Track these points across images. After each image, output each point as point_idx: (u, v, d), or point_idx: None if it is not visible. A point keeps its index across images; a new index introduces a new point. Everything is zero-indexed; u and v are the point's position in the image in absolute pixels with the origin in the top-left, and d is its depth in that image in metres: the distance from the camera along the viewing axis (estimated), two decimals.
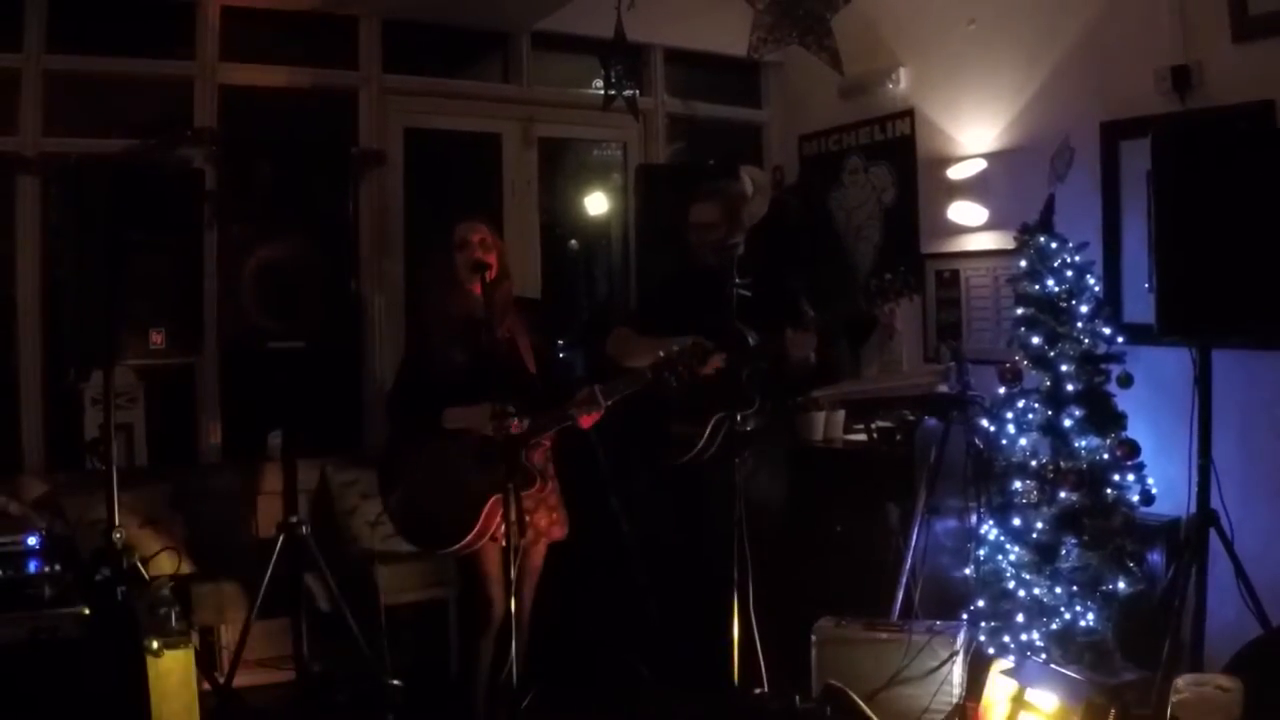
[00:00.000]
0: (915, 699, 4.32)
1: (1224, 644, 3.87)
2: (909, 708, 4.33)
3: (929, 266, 5.90)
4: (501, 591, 4.25)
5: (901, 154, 6.10)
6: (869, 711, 4.25)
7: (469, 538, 4.15)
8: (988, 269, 5.58)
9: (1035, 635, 4.19)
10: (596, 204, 6.82)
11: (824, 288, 4.63)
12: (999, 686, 4.17)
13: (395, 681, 4.53)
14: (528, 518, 4.15)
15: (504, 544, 4.10)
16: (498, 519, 4.13)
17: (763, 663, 4.20)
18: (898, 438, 5.40)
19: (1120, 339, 4.29)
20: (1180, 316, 3.79)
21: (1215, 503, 3.85)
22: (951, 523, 4.85)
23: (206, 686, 4.35)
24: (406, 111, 6.13)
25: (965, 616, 4.43)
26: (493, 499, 4.10)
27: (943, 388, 5.00)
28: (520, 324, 4.39)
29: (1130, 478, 4.17)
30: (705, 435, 4.52)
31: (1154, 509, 4.26)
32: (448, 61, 6.30)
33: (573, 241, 6.88)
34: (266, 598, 4.46)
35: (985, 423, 4.57)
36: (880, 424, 5.55)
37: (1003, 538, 4.34)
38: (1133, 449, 4.16)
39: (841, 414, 5.84)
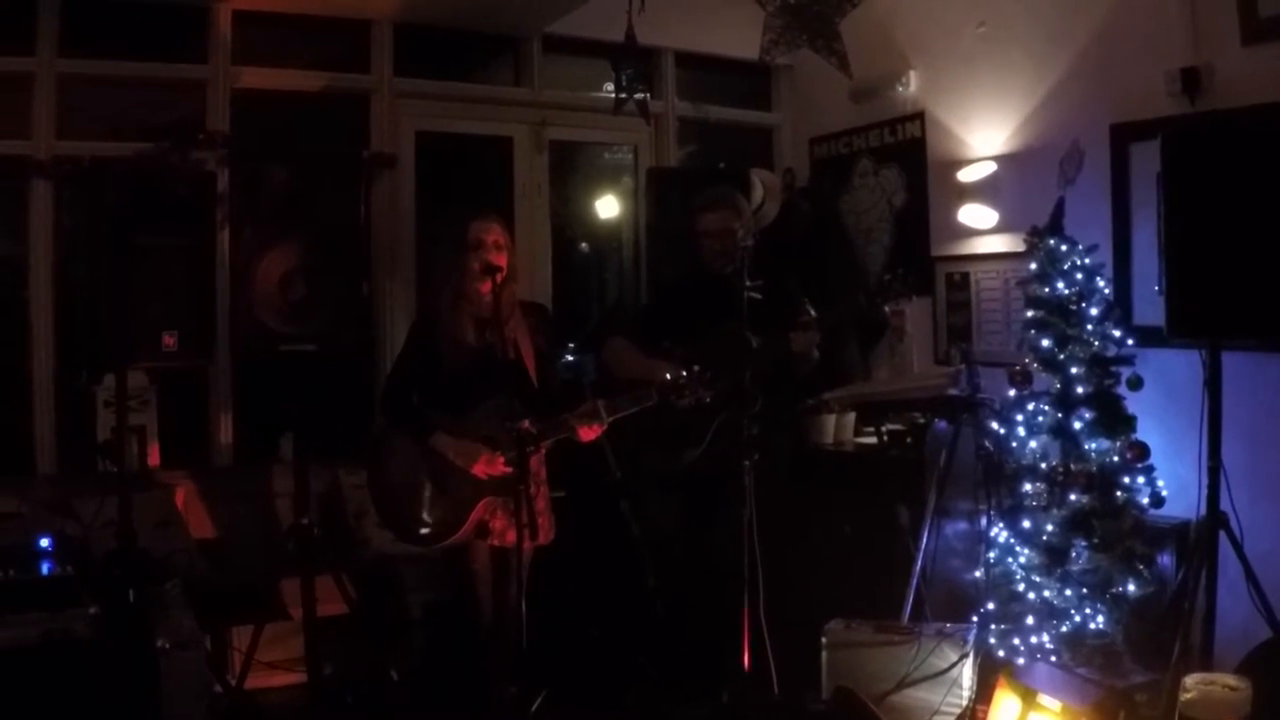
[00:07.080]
0: (925, 701, 4.31)
1: (1234, 646, 3.87)
2: (919, 710, 4.31)
3: (939, 269, 5.89)
4: (490, 590, 4.27)
5: (912, 157, 6.10)
6: (879, 714, 4.24)
7: (459, 534, 4.16)
8: (998, 272, 5.57)
9: (1045, 637, 4.18)
10: (607, 207, 6.85)
11: (832, 289, 4.63)
12: (1009, 688, 4.17)
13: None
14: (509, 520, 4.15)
15: (494, 543, 4.18)
16: (486, 517, 4.17)
17: (773, 665, 4.21)
18: (908, 440, 5.41)
19: (1130, 341, 4.28)
20: (1190, 319, 3.80)
21: (1225, 505, 3.85)
22: (962, 525, 4.85)
23: (218, 688, 4.38)
24: (418, 115, 6.15)
25: (975, 619, 4.42)
26: (483, 500, 4.15)
27: (953, 390, 4.99)
28: (523, 327, 4.36)
29: (1140, 480, 4.15)
30: (709, 437, 4.54)
31: (1164, 511, 4.24)
32: (459, 65, 6.32)
33: (583, 245, 6.90)
34: (277, 601, 4.48)
35: (995, 425, 4.56)
36: (891, 427, 5.56)
37: (1013, 540, 4.33)
38: (1143, 451, 4.14)
39: (852, 417, 5.84)
